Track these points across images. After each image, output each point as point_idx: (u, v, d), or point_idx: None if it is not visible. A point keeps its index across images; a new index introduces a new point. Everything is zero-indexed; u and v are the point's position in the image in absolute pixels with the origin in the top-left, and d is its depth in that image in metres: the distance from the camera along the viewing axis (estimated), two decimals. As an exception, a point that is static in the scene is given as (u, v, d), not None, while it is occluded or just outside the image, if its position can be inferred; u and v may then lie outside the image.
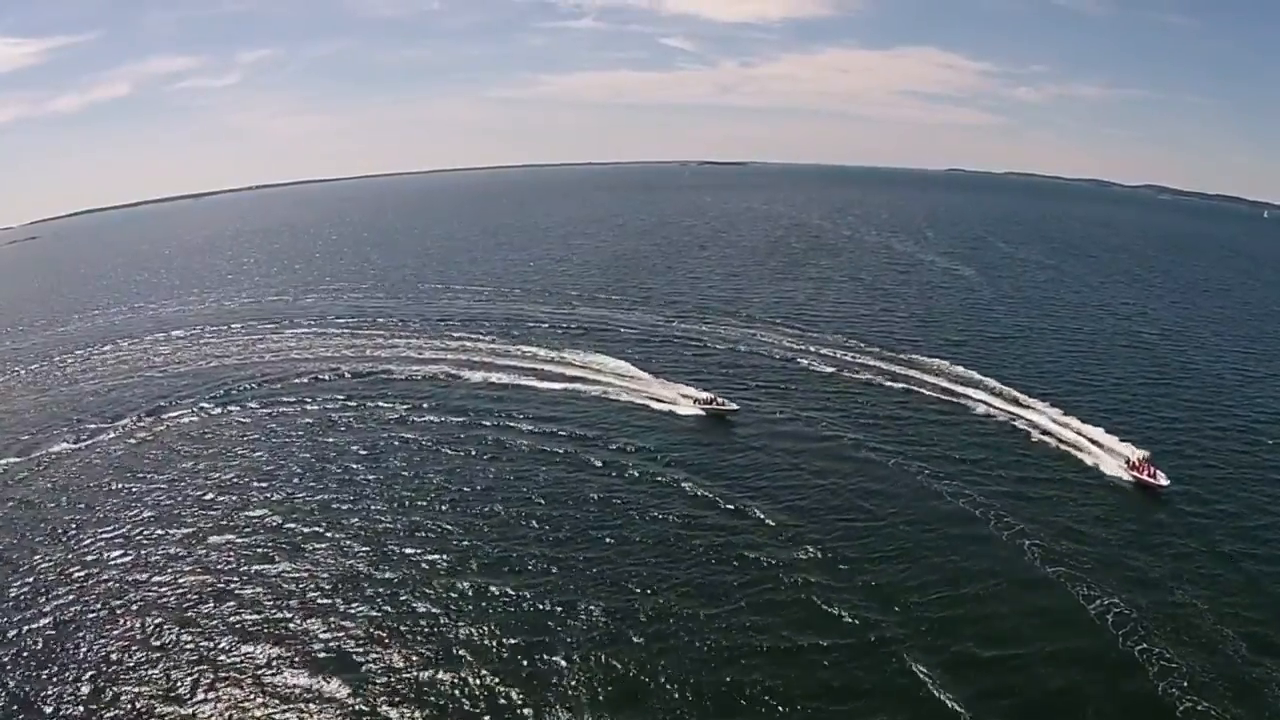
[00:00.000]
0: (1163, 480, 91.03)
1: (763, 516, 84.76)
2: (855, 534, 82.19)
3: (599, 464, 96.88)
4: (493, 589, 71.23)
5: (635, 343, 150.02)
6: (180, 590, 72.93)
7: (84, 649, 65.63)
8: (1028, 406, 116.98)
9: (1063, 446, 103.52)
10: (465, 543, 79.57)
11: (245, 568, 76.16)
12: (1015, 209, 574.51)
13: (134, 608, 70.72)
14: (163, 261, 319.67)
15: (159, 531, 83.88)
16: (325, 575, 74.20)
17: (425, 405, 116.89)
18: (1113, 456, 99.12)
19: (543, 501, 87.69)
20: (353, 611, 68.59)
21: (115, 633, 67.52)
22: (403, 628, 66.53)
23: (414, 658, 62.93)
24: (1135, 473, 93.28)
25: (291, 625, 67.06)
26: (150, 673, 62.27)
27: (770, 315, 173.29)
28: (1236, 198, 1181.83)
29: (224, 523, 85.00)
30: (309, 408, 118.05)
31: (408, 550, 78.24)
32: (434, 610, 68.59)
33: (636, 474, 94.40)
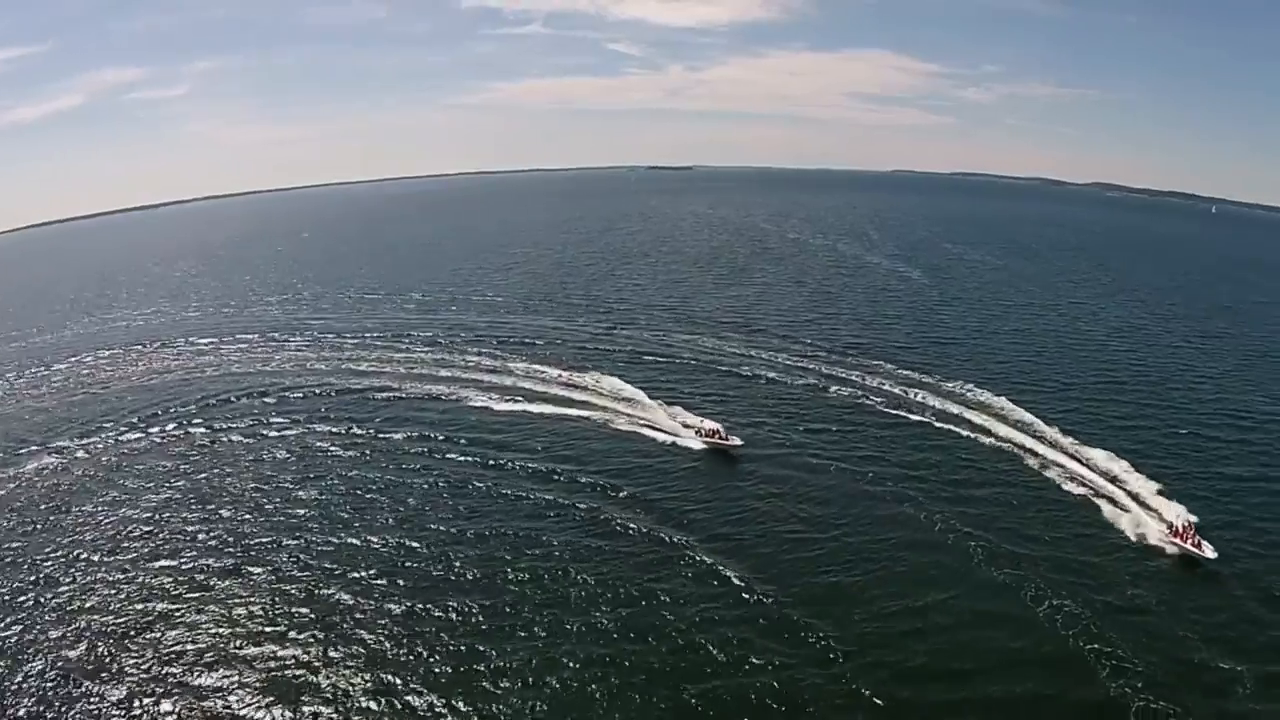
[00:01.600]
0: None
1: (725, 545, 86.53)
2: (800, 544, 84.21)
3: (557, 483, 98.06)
4: (435, 612, 72.17)
5: (571, 349, 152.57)
6: (116, 618, 73.02)
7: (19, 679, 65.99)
8: (974, 408, 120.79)
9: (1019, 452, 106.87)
10: (409, 565, 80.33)
11: (182, 593, 76.48)
12: (963, 210, 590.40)
13: (69, 637, 70.99)
14: (111, 276, 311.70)
15: (94, 557, 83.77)
16: (262, 600, 74.67)
17: (365, 420, 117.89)
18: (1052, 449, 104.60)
19: (466, 521, 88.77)
20: (292, 638, 69.20)
21: (54, 660, 68.11)
22: (341, 656, 67.04)
23: (351, 687, 63.35)
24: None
25: (230, 651, 67.72)
26: (87, 703, 62.83)
27: (715, 322, 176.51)
28: (1185, 194, 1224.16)
29: (160, 548, 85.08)
30: (249, 425, 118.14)
31: (348, 575, 78.59)
32: (370, 638, 69.02)
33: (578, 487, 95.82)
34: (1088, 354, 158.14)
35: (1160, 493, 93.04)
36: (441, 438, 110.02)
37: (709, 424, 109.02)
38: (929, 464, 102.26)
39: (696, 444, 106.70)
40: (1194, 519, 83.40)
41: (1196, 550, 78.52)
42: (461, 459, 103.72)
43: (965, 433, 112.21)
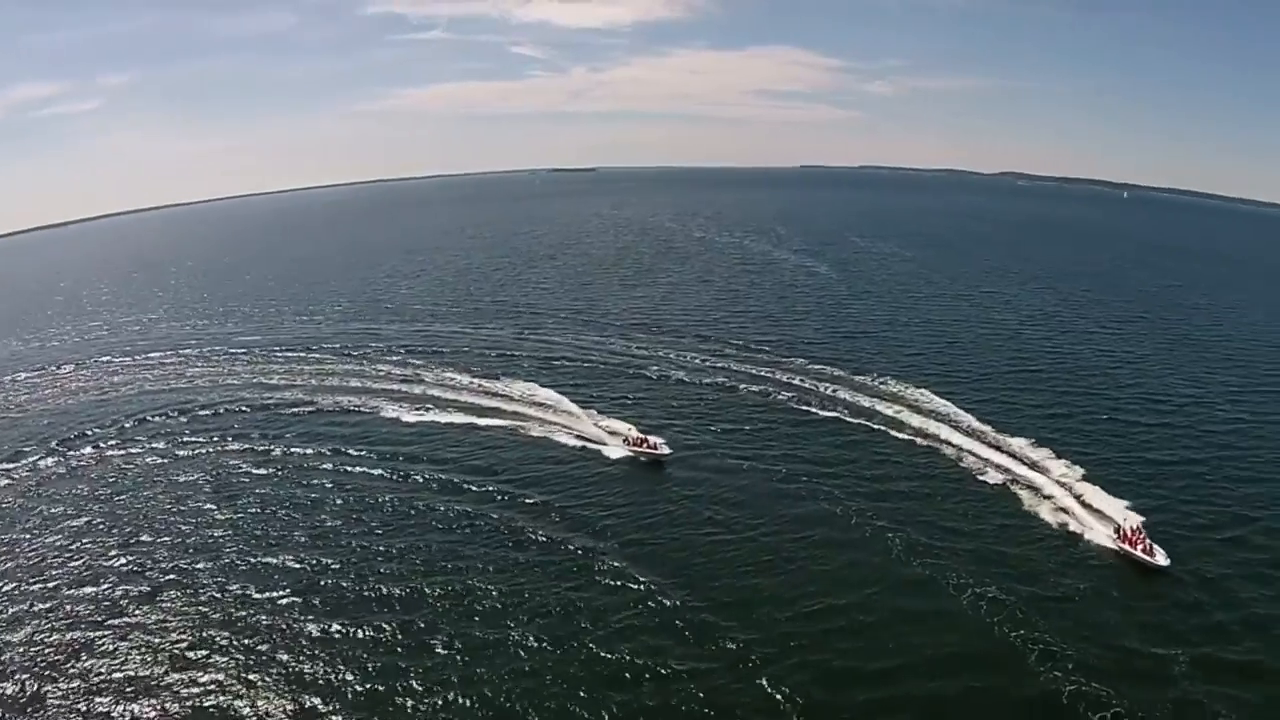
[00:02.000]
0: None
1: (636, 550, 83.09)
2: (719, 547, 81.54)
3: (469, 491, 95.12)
4: (352, 631, 70.16)
5: (480, 356, 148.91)
6: (37, 649, 70.15)
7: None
8: (887, 400, 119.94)
9: (930, 444, 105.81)
10: (326, 583, 77.98)
11: (103, 621, 73.56)
12: (871, 203, 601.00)
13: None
14: (22, 295, 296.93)
15: (13, 587, 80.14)
16: (181, 625, 72.34)
17: (278, 436, 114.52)
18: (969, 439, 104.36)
19: (388, 535, 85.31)
20: (213, 663, 66.98)
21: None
22: (260, 679, 64.74)
23: (272, 711, 61.29)
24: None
25: (153, 680, 65.32)
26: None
27: (623, 323, 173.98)
28: (1096, 180, 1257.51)
29: (81, 576, 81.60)
30: (165, 446, 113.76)
31: (265, 596, 76.23)
32: (288, 659, 66.98)
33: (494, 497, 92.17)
34: (1002, 343, 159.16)
35: (1085, 478, 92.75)
36: (355, 452, 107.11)
37: (636, 431, 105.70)
38: (844, 459, 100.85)
39: (620, 451, 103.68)
40: (1141, 519, 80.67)
41: (1148, 557, 75.76)
42: (376, 473, 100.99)
43: (879, 426, 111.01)
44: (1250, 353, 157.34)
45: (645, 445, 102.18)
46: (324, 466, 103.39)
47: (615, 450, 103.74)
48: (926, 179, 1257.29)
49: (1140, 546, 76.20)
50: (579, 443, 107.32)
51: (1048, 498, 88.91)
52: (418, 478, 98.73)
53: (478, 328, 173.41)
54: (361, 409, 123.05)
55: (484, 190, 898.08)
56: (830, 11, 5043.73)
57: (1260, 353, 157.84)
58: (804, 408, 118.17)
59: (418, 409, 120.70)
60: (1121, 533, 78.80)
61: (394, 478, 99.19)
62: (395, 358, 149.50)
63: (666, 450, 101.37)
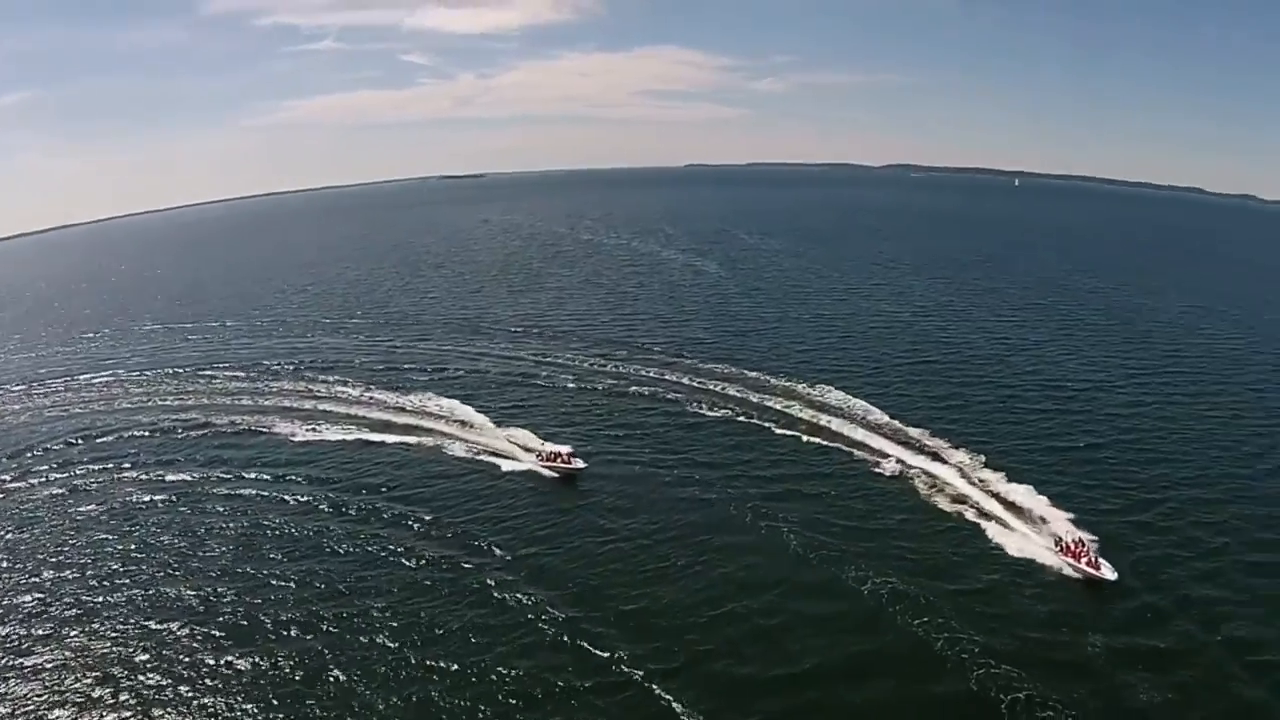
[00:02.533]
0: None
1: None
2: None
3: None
4: (248, 662, 68.11)
5: (372, 369, 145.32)
6: None
7: None
8: (780, 396, 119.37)
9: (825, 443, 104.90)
10: (219, 614, 75.33)
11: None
12: (761, 200, 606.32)
13: None
14: None
15: None
16: (80, 664, 69.48)
17: (173, 461, 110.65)
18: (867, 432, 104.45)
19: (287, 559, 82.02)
20: (111, 703, 64.54)
21: None
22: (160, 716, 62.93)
23: None
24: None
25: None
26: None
27: (512, 329, 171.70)
28: (989, 169, 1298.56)
29: None
30: (61, 476, 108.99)
31: (162, 629, 73.60)
32: (191, 692, 65.13)
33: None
34: (895, 335, 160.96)
35: (986, 466, 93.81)
36: (251, 474, 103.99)
37: (551, 446, 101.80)
38: (739, 460, 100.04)
39: (526, 465, 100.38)
40: (1084, 535, 77.35)
41: (1093, 570, 73.12)
42: (271, 495, 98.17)
43: (771, 424, 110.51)
44: (1148, 333, 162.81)
45: (559, 460, 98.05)
46: (220, 491, 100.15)
47: (518, 463, 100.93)
48: (816, 174, 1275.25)
49: (1085, 559, 73.91)
50: (478, 456, 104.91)
51: (945, 488, 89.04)
52: (313, 499, 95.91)
53: (370, 339, 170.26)
54: (256, 428, 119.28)
55: (375, 200, 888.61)
56: (718, 10, 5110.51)
57: (1160, 333, 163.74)
58: (697, 408, 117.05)
59: (311, 426, 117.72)
60: (1063, 545, 76.37)
61: (290, 500, 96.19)
62: (288, 374, 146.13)
63: (581, 464, 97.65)
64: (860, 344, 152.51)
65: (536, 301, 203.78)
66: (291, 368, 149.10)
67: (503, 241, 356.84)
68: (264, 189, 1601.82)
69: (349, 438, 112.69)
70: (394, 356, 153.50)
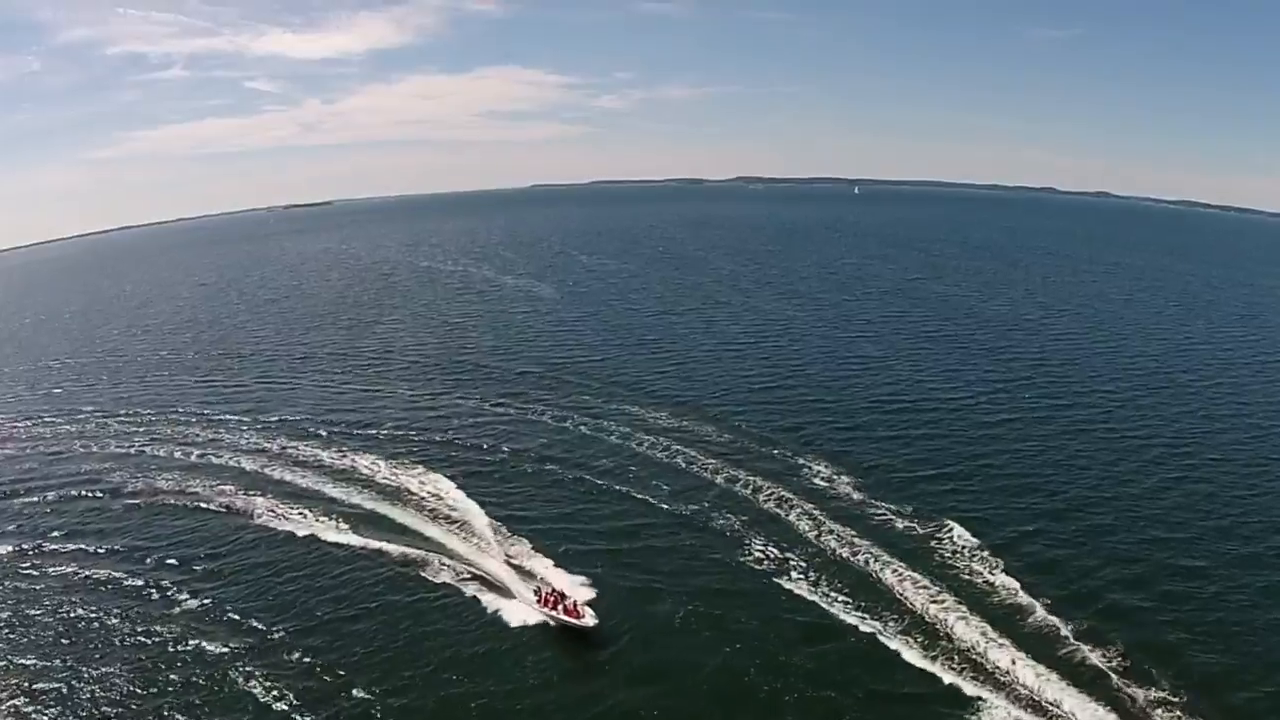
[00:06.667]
0: None
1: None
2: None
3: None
4: None
5: (197, 419, 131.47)
6: None
7: None
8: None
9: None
10: None
11: None
12: (601, 218, 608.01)
13: None
14: None
15: None
16: None
17: None
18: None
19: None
20: None
21: None
22: None
23: None
24: None
25: None
26: None
27: (345, 368, 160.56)
28: (829, 178, 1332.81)
29: None
30: None
31: None
32: None
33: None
34: (749, 358, 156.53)
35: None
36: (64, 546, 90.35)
37: (551, 586, 74.64)
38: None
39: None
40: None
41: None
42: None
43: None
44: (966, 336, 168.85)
45: (561, 609, 69.84)
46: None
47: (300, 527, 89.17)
48: (657, 190, 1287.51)
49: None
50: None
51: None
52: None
53: (198, 378, 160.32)
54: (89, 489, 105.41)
55: (221, 232, 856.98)
56: (559, 30, 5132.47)
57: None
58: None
59: (128, 492, 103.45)
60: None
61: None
62: (116, 422, 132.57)
63: (591, 622, 68.60)
64: (701, 365, 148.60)
65: (373, 334, 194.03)
66: (123, 417, 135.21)
67: (339, 274, 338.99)
68: (113, 223, 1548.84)
69: (165, 500, 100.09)
70: (224, 402, 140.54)
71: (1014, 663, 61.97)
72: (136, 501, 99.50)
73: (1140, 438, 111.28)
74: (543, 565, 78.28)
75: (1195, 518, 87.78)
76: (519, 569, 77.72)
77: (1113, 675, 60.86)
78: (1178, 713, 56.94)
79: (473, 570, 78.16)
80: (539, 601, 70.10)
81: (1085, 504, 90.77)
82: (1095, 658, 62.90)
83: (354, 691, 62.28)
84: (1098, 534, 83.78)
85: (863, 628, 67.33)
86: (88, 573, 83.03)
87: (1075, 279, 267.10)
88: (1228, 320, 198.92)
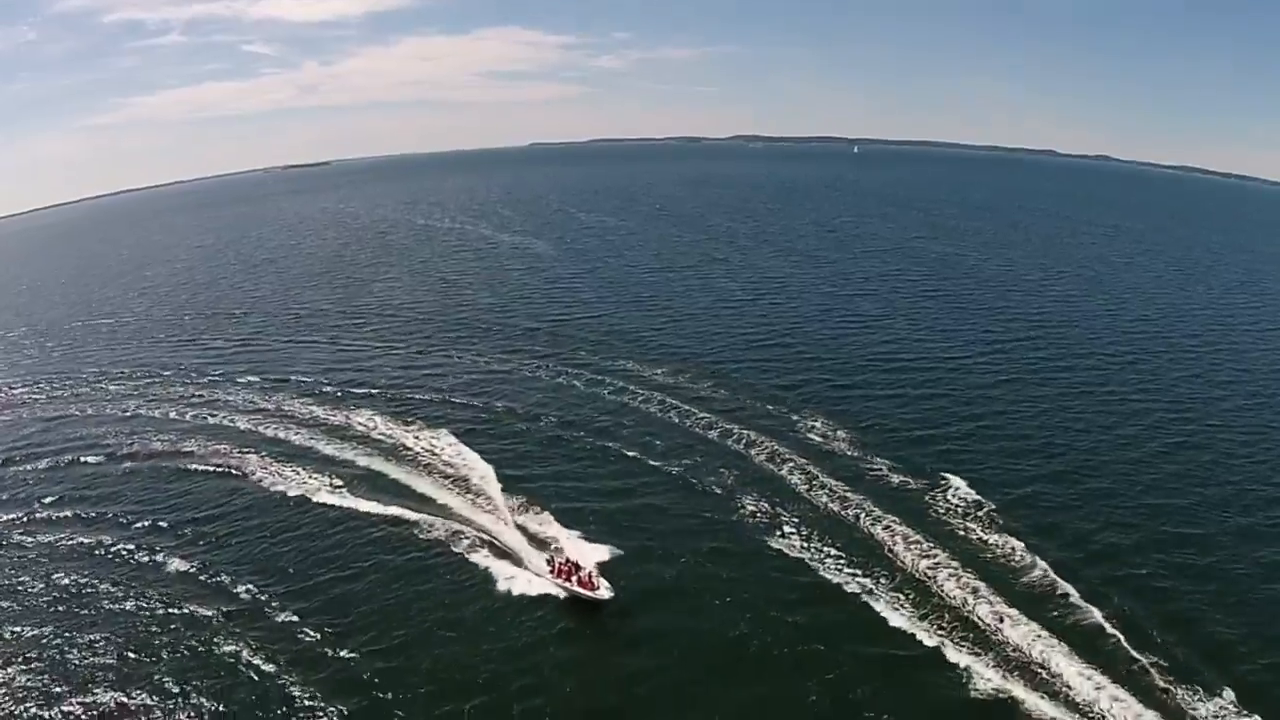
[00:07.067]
0: None
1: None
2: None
3: None
4: None
5: (187, 380, 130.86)
6: None
7: None
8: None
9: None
10: None
11: None
12: (599, 176, 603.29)
13: None
14: None
15: None
16: None
17: None
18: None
19: None
20: None
21: None
22: None
23: None
24: None
25: None
26: None
27: (337, 326, 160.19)
28: (829, 137, 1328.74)
29: None
30: None
31: None
32: None
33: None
34: (734, 318, 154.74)
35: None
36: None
37: (566, 555, 71.34)
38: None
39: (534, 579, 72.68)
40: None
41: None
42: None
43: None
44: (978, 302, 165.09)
45: (577, 581, 68.23)
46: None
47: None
48: (657, 148, 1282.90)
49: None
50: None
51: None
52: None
53: (197, 340, 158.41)
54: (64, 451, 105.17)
55: (218, 194, 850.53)
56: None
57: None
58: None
59: (127, 455, 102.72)
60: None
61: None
62: (118, 383, 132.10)
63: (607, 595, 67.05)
64: (698, 326, 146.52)
65: (368, 292, 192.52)
66: (120, 377, 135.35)
67: (336, 233, 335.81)
68: (114, 187, 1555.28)
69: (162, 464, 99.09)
70: (218, 361, 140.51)
71: (1002, 620, 62.22)
72: (131, 465, 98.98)
73: (1139, 401, 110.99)
74: (542, 523, 77.93)
75: (1193, 485, 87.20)
76: (525, 532, 76.95)
77: (1106, 639, 60.79)
78: (1171, 677, 56.74)
79: (482, 536, 76.79)
80: (552, 572, 69.13)
81: (1083, 466, 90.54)
82: (1087, 621, 62.85)
83: (343, 652, 61.88)
84: (1095, 497, 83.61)
85: (850, 588, 67.24)
86: (81, 538, 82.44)
87: (1075, 240, 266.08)
88: (1228, 286, 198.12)
